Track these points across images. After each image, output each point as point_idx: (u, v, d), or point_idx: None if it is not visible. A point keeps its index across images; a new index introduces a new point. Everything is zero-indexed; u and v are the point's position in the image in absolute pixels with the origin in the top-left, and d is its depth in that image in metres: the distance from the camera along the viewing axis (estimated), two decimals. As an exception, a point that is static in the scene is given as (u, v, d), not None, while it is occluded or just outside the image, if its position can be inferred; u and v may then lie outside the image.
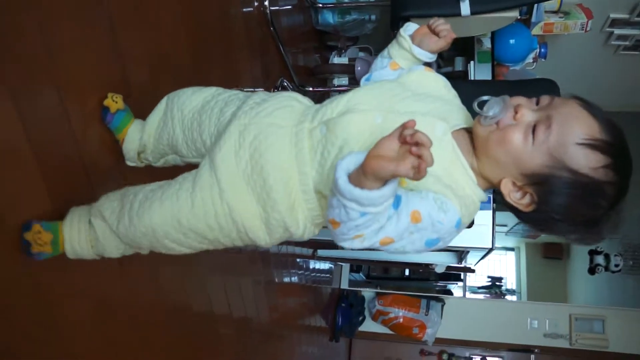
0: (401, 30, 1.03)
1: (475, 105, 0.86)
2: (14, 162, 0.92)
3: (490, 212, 1.97)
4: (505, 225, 7.21)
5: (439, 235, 0.81)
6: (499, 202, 2.02)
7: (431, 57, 1.03)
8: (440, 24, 1.00)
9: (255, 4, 2.01)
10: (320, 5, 2.61)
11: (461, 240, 2.08)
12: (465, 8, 1.82)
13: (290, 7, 2.42)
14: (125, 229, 0.93)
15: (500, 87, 1.96)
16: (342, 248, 0.83)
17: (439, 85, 0.98)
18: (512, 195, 0.86)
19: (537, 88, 1.99)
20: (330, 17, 2.68)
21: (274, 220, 0.91)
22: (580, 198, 0.82)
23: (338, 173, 0.69)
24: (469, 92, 0.96)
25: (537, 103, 0.85)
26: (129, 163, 1.17)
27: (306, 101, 0.99)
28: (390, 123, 0.83)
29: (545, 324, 4.02)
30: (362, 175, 0.68)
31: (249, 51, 1.96)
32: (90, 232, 0.97)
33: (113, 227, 0.95)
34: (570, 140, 0.80)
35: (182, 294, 1.57)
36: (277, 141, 0.90)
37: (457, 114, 0.91)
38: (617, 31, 2.73)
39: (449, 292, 4.25)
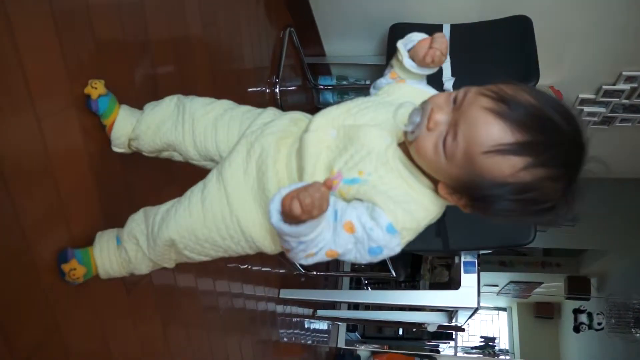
0: (400, 41, 0.99)
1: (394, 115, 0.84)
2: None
3: (475, 274, 2.15)
4: (496, 285, 7.29)
5: (378, 244, 0.81)
6: (483, 263, 2.21)
7: (421, 70, 0.97)
8: (439, 43, 0.93)
9: (266, 89, 2.30)
10: (322, 87, 2.91)
11: (448, 300, 2.25)
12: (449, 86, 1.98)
13: (294, 87, 2.71)
14: (152, 248, 1.00)
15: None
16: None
17: (413, 94, 0.95)
18: (448, 198, 0.82)
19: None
20: (330, 97, 2.96)
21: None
22: (513, 201, 0.75)
23: (270, 211, 0.70)
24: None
25: (455, 100, 0.78)
26: (115, 149, 1.14)
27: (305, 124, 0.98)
28: (345, 135, 0.88)
29: (535, 382, 4.12)
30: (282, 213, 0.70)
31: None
32: (121, 255, 1.04)
33: (144, 248, 1.01)
34: (476, 151, 0.73)
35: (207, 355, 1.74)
36: (275, 161, 0.94)
37: None
38: (586, 109, 3.01)
39: (437, 351, 4.35)
